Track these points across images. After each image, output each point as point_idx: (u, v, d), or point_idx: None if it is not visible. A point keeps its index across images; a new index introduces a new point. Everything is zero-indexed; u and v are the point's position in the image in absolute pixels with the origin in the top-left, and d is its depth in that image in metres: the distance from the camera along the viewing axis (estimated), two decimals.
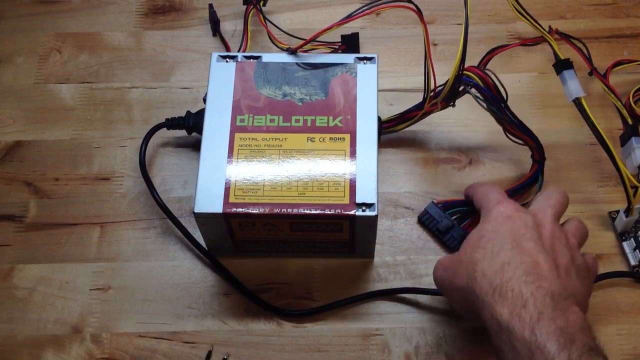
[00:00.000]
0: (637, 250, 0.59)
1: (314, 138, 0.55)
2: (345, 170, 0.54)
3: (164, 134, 0.66)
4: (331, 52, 0.66)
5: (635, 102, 0.64)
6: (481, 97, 0.58)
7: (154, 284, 0.60)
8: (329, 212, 0.52)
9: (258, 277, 0.60)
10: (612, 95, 0.61)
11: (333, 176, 0.54)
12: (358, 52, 0.66)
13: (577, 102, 0.57)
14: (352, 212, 0.52)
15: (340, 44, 0.67)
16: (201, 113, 0.59)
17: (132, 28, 0.72)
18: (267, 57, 0.59)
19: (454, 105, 0.59)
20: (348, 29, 0.68)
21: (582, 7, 0.72)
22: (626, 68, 0.67)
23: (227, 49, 0.70)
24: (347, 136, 0.55)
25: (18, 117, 0.68)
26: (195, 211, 0.53)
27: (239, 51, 0.67)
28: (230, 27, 0.72)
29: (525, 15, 0.59)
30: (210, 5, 0.71)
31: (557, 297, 0.44)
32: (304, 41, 0.59)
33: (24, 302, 0.59)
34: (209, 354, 0.57)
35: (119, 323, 0.58)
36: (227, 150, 0.55)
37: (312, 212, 0.52)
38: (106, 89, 0.69)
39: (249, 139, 0.55)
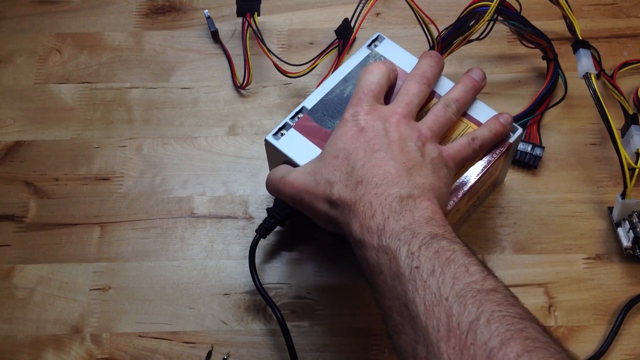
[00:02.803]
0: (631, 231, 0.59)
1: None
2: (462, 119, 0.55)
3: (164, 133, 0.66)
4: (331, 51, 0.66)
5: None
6: (504, 19, 0.63)
7: (154, 284, 0.60)
8: (492, 158, 0.54)
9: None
10: (616, 91, 0.64)
11: (460, 132, 0.54)
12: (352, 33, 0.65)
13: (586, 76, 0.60)
14: (505, 143, 0.54)
15: (336, 40, 0.67)
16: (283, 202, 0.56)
17: (132, 28, 0.72)
18: (308, 102, 0.56)
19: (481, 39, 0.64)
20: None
21: (582, 7, 0.72)
22: (630, 69, 0.68)
23: (227, 56, 0.70)
24: (434, 100, 0.55)
25: (18, 117, 0.68)
26: None
27: (243, 80, 0.67)
28: (230, 27, 0.72)
29: None
30: (208, 17, 0.71)
31: (405, 199, 0.44)
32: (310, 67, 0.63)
33: (24, 302, 0.59)
34: (209, 354, 0.57)
35: (119, 323, 0.58)
36: None
37: (482, 167, 0.53)
38: (106, 89, 0.69)
39: None
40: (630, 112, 0.63)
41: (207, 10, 0.71)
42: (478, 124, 0.54)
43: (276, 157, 0.56)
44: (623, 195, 0.59)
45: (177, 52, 0.71)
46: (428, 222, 0.43)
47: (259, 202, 0.63)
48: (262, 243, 0.60)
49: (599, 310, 0.58)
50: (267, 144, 0.55)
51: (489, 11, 0.59)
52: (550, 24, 0.68)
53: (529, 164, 0.63)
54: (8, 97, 0.69)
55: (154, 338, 0.58)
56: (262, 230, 0.58)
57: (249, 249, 0.57)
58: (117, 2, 0.74)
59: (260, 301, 0.58)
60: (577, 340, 0.57)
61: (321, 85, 0.57)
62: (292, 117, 0.56)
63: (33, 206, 0.63)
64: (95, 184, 0.64)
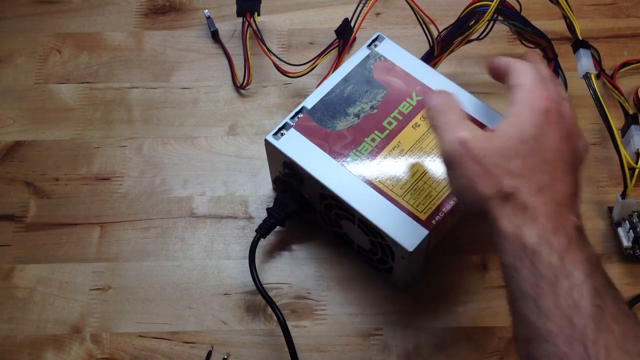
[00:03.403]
0: (631, 231, 0.59)
1: (417, 122, 0.56)
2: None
3: (164, 133, 0.66)
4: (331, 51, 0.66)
5: None
6: (504, 19, 0.63)
7: (154, 284, 0.60)
8: None
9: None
10: (616, 91, 0.64)
11: None
12: (352, 33, 0.66)
13: (586, 76, 0.60)
14: None
15: (336, 39, 0.67)
16: (284, 200, 0.57)
17: (132, 28, 0.72)
18: (308, 102, 0.56)
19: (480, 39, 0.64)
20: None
21: (582, 7, 0.72)
22: (630, 69, 0.68)
23: (227, 56, 0.70)
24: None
25: (18, 117, 0.68)
26: (411, 250, 0.51)
27: (243, 81, 0.67)
28: (230, 27, 0.72)
29: None
30: (208, 17, 0.71)
31: (579, 228, 0.44)
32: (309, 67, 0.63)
33: (24, 302, 0.59)
34: (209, 354, 0.57)
35: (119, 323, 0.58)
36: (373, 190, 0.53)
37: None
38: (106, 89, 0.69)
39: (376, 166, 0.54)
40: (630, 112, 0.63)
41: (207, 10, 0.72)
42: (478, 124, 0.54)
43: (276, 157, 0.56)
44: (623, 195, 0.59)
45: (177, 52, 0.71)
46: (599, 264, 0.43)
47: (259, 202, 0.63)
48: (262, 243, 0.60)
49: None
50: (267, 144, 0.55)
51: (489, 11, 0.59)
52: (550, 24, 0.68)
53: None
54: (8, 97, 0.69)
55: (154, 338, 0.58)
56: (262, 230, 0.58)
57: (249, 249, 0.57)
58: (117, 2, 0.74)
59: (260, 301, 0.58)
60: None
61: (321, 85, 0.57)
62: (292, 117, 0.56)
63: (33, 206, 0.63)
64: (95, 184, 0.64)
